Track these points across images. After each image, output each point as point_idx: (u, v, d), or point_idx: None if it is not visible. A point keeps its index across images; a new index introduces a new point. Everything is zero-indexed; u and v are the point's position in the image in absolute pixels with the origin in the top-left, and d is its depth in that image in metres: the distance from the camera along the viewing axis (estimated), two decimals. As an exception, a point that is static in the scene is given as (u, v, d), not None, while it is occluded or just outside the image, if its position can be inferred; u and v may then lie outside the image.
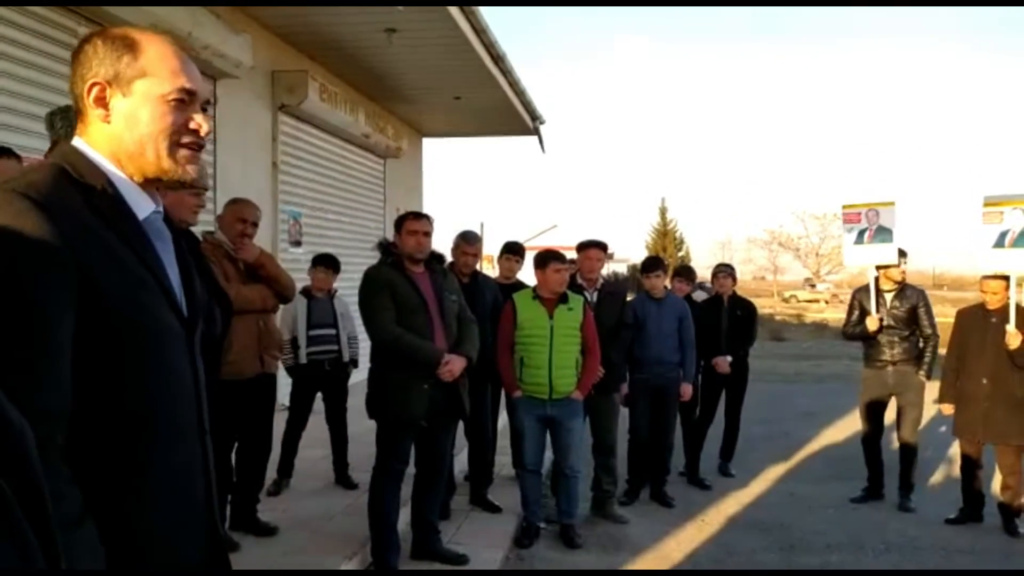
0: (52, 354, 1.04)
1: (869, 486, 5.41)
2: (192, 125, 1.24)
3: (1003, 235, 4.78)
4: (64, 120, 2.00)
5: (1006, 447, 4.79)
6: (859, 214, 5.47)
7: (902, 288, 5.31)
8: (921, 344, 5.23)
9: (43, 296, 1.03)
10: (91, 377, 1.10)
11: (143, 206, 1.23)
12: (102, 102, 1.20)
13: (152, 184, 1.25)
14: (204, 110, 1.28)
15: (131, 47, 1.21)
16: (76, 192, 1.14)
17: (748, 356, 6.06)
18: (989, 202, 4.92)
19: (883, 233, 5.35)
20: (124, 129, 1.21)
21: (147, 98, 1.20)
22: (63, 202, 1.10)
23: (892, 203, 5.43)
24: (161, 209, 1.28)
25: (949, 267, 51.25)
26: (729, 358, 5.80)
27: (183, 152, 1.23)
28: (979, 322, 4.86)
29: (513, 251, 5.21)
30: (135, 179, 1.22)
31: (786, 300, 45.84)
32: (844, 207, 5.61)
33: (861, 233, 5.44)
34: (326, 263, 4.97)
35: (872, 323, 5.21)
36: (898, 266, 5.30)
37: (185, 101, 1.23)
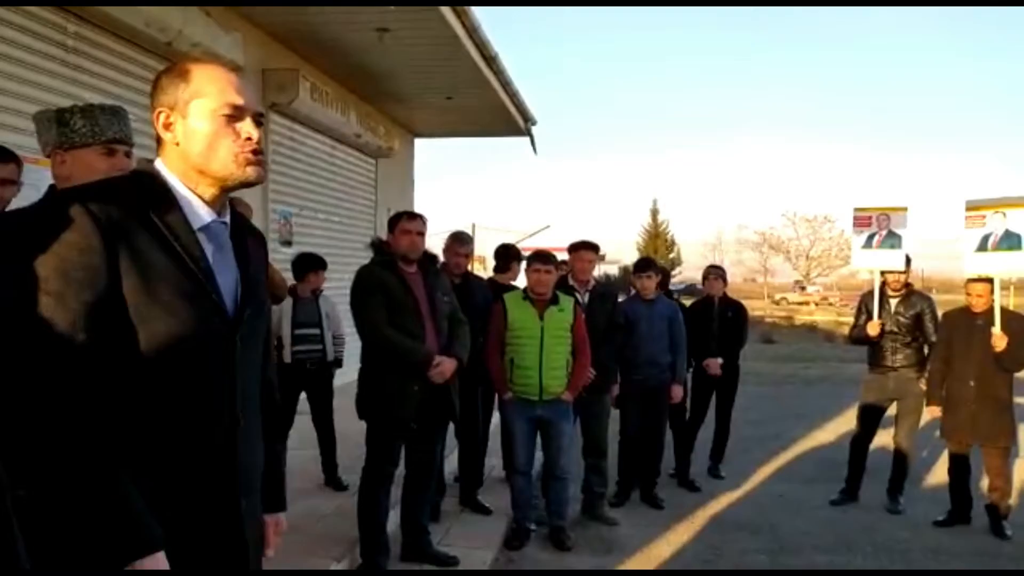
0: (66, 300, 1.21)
1: (847, 488, 5.43)
2: (244, 134, 1.40)
3: (985, 239, 4.81)
4: (52, 124, 2.00)
5: (993, 449, 4.82)
6: (870, 218, 5.44)
7: (908, 294, 5.30)
8: (925, 351, 5.23)
9: (73, 261, 1.22)
10: (114, 366, 1.26)
11: (201, 217, 1.39)
12: (168, 127, 1.40)
13: (223, 195, 1.43)
14: (259, 123, 1.44)
15: (184, 75, 1.40)
16: (135, 201, 1.32)
17: (739, 358, 6.07)
18: (971, 206, 4.95)
19: (892, 238, 5.33)
20: (188, 145, 1.39)
21: (201, 115, 1.38)
22: (108, 208, 1.27)
23: (904, 208, 5.40)
24: (226, 220, 1.45)
25: (938, 270, 51.55)
26: (720, 360, 5.81)
27: (241, 157, 1.40)
28: (965, 325, 4.88)
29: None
30: (205, 191, 1.40)
31: (776, 302, 46.06)
32: (856, 210, 5.56)
33: (871, 237, 5.42)
34: (316, 265, 4.97)
35: (873, 328, 5.21)
36: (904, 272, 5.29)
37: (235, 115, 1.39)
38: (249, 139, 1.40)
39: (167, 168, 1.40)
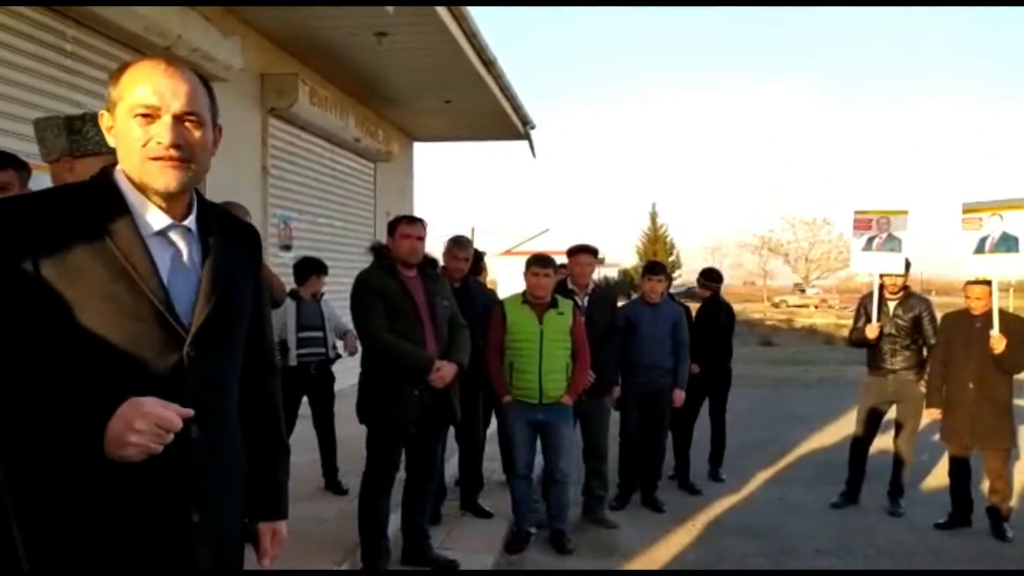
0: None
1: (847, 490, 5.43)
2: (155, 137, 1.30)
3: (983, 241, 4.81)
4: (61, 132, 2.00)
5: (993, 451, 4.82)
6: (870, 221, 5.43)
7: (907, 297, 5.30)
8: (924, 353, 5.23)
9: None
10: (44, 369, 1.22)
11: (152, 223, 1.33)
12: (109, 129, 1.36)
13: (178, 198, 1.36)
14: (192, 122, 1.34)
15: (117, 74, 1.34)
16: (77, 210, 1.28)
17: (730, 360, 6.09)
18: (968, 208, 4.95)
19: (892, 242, 5.32)
20: (119, 150, 1.34)
21: (120, 118, 1.33)
22: (37, 218, 1.25)
23: (905, 212, 5.39)
24: (189, 224, 1.38)
25: (937, 272, 51.62)
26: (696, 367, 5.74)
27: (153, 164, 1.31)
28: (964, 327, 4.89)
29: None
30: (154, 196, 1.34)
31: (776, 305, 46.03)
32: (856, 212, 5.55)
33: (870, 240, 5.41)
34: (317, 269, 4.98)
35: (871, 331, 5.21)
36: (902, 275, 5.29)
37: (149, 115, 1.30)
38: (158, 144, 1.30)
39: (123, 173, 1.35)
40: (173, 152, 1.31)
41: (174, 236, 1.36)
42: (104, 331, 1.25)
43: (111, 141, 1.36)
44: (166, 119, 1.31)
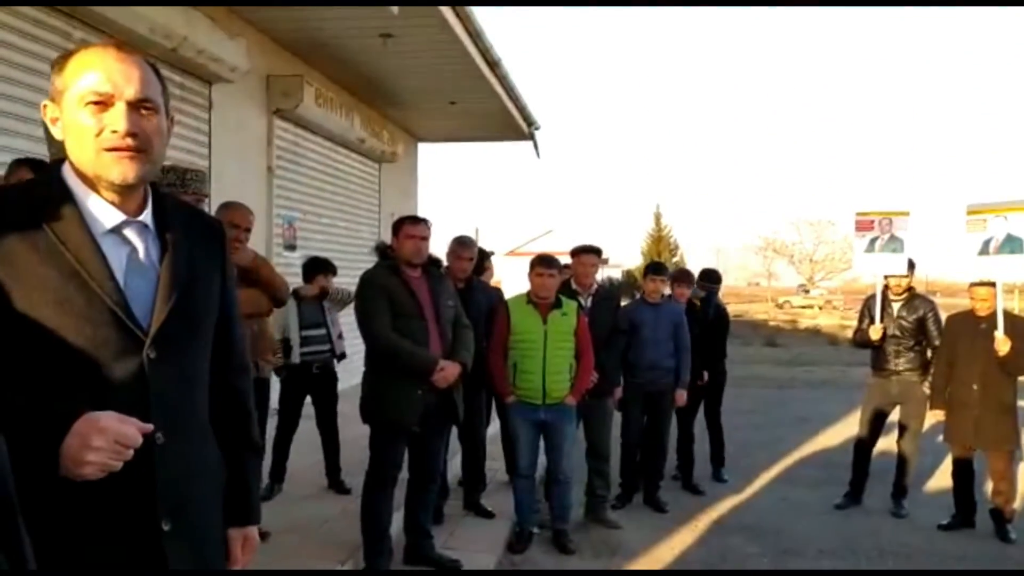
0: None
1: (851, 491, 5.42)
2: (109, 126, 1.23)
3: (987, 243, 4.81)
4: None
5: (997, 453, 4.81)
6: (872, 222, 5.41)
7: (911, 298, 5.28)
8: (929, 355, 5.22)
9: None
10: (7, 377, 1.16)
11: (103, 218, 1.26)
12: (54, 121, 1.27)
13: (131, 193, 1.28)
14: (147, 109, 1.26)
15: (62, 61, 1.27)
16: (21, 209, 1.21)
17: (725, 360, 6.11)
18: (972, 210, 4.94)
19: (894, 243, 5.31)
20: (67, 142, 1.26)
21: (69, 107, 1.24)
22: None
23: (906, 213, 5.38)
24: (145, 220, 1.30)
25: (942, 274, 51.48)
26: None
27: (108, 155, 1.24)
28: (968, 329, 4.88)
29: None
30: (105, 192, 1.26)
31: (780, 306, 45.94)
32: (858, 214, 5.52)
33: (873, 241, 5.40)
34: (325, 268, 5.01)
35: (875, 332, 5.20)
36: (906, 277, 5.27)
37: (101, 103, 1.23)
38: (113, 132, 1.23)
39: (71, 169, 1.27)
40: (130, 141, 1.24)
41: (129, 233, 1.29)
42: (58, 336, 1.19)
43: (57, 134, 1.28)
44: (120, 106, 1.23)
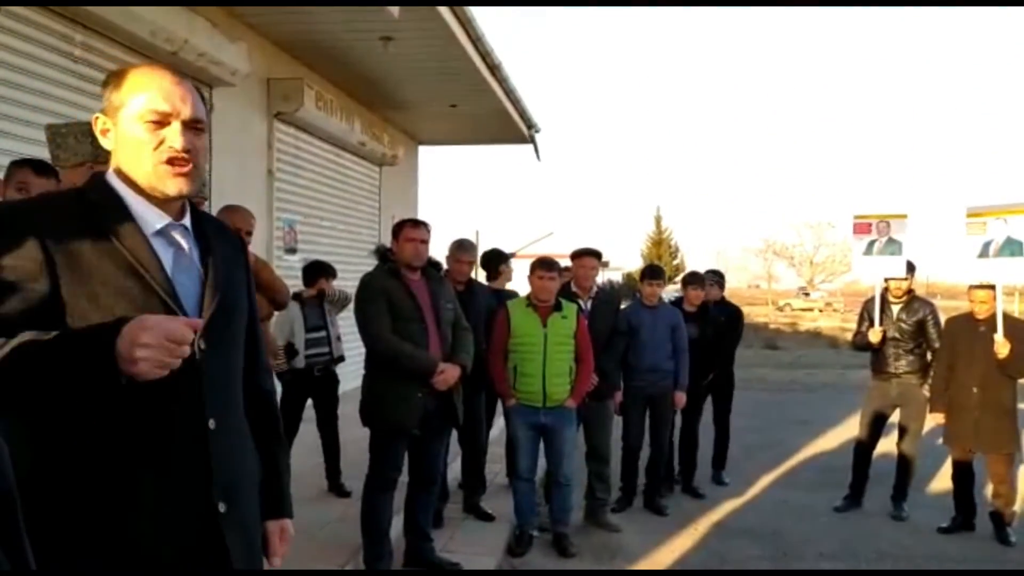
0: None
1: (851, 494, 5.42)
2: (167, 142, 1.34)
3: (987, 245, 4.81)
4: (87, 137, 2.02)
5: (997, 456, 4.81)
6: (869, 225, 5.40)
7: (910, 301, 5.28)
8: (928, 357, 5.22)
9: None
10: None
11: (153, 222, 1.36)
12: (105, 133, 1.39)
13: (174, 199, 1.38)
14: (198, 129, 1.39)
15: (118, 79, 1.38)
16: (77, 211, 1.31)
17: (733, 364, 6.09)
18: (972, 213, 4.95)
19: (893, 245, 5.30)
20: (121, 153, 1.37)
21: (127, 122, 1.35)
22: (45, 217, 1.29)
23: (904, 215, 5.38)
24: (186, 223, 1.42)
25: (942, 276, 51.46)
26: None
27: (164, 168, 1.35)
28: (968, 331, 4.88)
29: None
30: (152, 197, 1.37)
31: (780, 308, 45.92)
32: (856, 217, 5.52)
33: (871, 244, 5.40)
34: (325, 272, 5.02)
35: (874, 335, 5.21)
36: (906, 279, 5.27)
37: (160, 121, 1.34)
38: (172, 148, 1.35)
39: (113, 173, 1.38)
40: (186, 156, 1.36)
41: (175, 234, 1.39)
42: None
43: (106, 144, 1.39)
44: (176, 125, 1.35)
